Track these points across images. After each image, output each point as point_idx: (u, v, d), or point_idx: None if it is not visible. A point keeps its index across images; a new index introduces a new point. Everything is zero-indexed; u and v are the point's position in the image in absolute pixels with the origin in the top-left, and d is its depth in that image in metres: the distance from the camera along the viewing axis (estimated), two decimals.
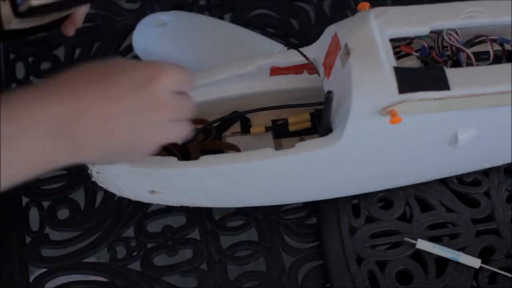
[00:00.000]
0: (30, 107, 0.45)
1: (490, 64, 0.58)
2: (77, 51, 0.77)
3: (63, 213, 0.66)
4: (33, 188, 0.67)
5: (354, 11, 0.79)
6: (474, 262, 0.62)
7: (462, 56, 0.58)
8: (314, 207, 0.66)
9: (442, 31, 0.59)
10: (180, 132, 0.52)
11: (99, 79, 0.47)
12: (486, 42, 0.59)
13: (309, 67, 0.61)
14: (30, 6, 0.54)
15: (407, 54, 0.59)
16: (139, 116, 0.48)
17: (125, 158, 0.53)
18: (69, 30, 0.59)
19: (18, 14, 0.55)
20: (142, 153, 0.51)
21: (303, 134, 0.64)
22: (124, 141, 0.49)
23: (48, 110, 0.45)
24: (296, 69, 0.62)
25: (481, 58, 0.59)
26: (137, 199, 0.61)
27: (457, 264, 0.62)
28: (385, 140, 0.57)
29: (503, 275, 0.61)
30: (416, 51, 0.59)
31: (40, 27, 0.60)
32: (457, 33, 0.59)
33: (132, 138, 0.49)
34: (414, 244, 0.62)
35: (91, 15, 0.78)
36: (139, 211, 0.65)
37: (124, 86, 0.47)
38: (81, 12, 0.60)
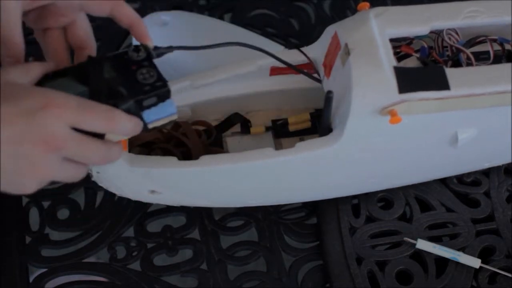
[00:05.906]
0: None
1: (490, 64, 0.58)
2: None
3: (63, 213, 0.66)
4: None
5: (354, 11, 0.79)
6: (474, 262, 0.62)
7: (462, 56, 0.58)
8: (314, 207, 0.66)
9: (442, 31, 0.59)
10: (71, 175, 0.47)
11: None
12: (486, 42, 0.59)
13: (309, 67, 0.61)
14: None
15: (407, 55, 0.59)
16: (18, 147, 0.43)
17: (6, 188, 0.47)
18: None
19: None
20: (23, 186, 0.46)
21: (303, 134, 0.64)
22: (3, 171, 0.44)
23: None
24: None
25: (481, 58, 0.59)
26: (137, 199, 0.61)
27: (457, 264, 0.62)
28: (385, 140, 0.57)
29: (503, 275, 0.61)
30: (416, 51, 0.59)
31: None
32: (457, 33, 0.59)
33: (10, 169, 0.44)
34: (414, 244, 0.62)
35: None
36: (139, 211, 0.65)
37: (7, 113, 0.43)
38: None
